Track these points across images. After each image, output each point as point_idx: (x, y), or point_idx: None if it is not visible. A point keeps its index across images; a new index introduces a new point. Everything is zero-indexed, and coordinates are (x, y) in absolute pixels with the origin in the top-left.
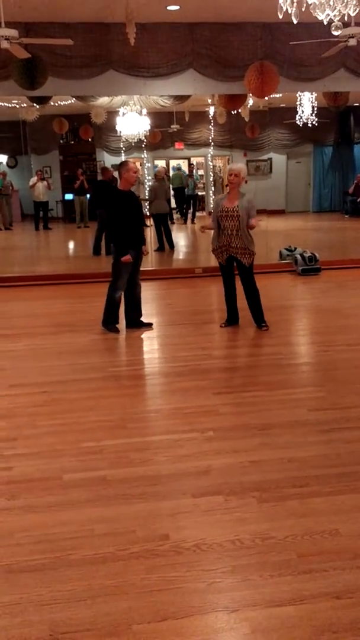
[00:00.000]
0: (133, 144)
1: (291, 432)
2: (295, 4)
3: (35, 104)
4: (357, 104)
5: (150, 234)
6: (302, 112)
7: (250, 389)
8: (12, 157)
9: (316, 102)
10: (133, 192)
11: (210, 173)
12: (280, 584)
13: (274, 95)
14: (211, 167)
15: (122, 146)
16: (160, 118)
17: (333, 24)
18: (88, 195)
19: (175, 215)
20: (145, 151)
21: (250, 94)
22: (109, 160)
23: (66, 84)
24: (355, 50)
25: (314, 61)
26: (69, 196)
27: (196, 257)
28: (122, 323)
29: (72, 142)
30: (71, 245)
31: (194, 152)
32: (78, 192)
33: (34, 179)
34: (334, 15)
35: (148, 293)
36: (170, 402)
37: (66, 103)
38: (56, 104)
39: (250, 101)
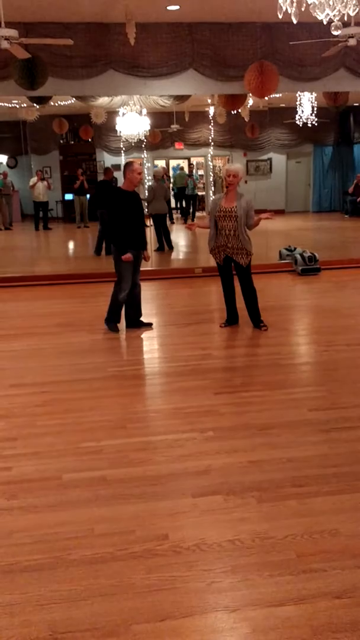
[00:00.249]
0: (133, 144)
1: (291, 431)
2: (295, 4)
3: (35, 104)
4: (357, 104)
5: (150, 234)
6: (302, 112)
7: (250, 388)
8: (12, 157)
9: (316, 102)
10: (136, 193)
11: (210, 173)
12: (280, 583)
13: (273, 95)
14: (211, 167)
15: (122, 146)
16: (160, 118)
17: (333, 23)
18: (88, 196)
19: (176, 215)
20: (145, 151)
21: (250, 94)
22: (109, 160)
23: (66, 84)
24: (355, 50)
25: (314, 61)
26: (69, 196)
27: (196, 257)
28: (122, 323)
29: (72, 142)
30: (71, 245)
31: (194, 152)
32: (78, 192)
33: (34, 179)
34: (334, 15)
35: (148, 293)
36: (170, 402)
37: (66, 103)
38: (56, 104)
39: (250, 101)
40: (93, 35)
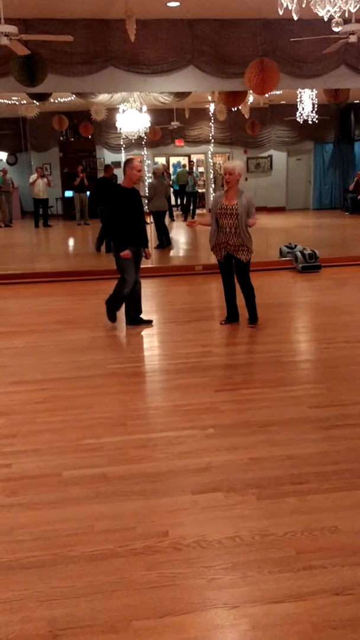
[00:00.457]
0: (133, 141)
1: (291, 429)
2: (295, 1)
3: (35, 101)
4: (357, 101)
5: (150, 231)
6: (303, 109)
7: (250, 386)
8: (12, 154)
9: (317, 99)
10: (136, 190)
11: (211, 170)
12: (280, 580)
13: (274, 92)
14: (211, 164)
15: (122, 143)
16: (160, 115)
17: (333, 20)
18: (88, 193)
19: (176, 212)
20: (145, 148)
21: (251, 91)
22: (109, 157)
23: (66, 81)
24: (355, 47)
25: (315, 58)
26: (68, 193)
27: (196, 255)
28: (122, 320)
29: (72, 139)
30: (71, 242)
31: (194, 149)
32: (78, 190)
33: (34, 176)
34: (335, 12)
35: (148, 290)
36: (170, 399)
37: (66, 100)
38: (56, 101)
39: (251, 98)
40: (93, 32)
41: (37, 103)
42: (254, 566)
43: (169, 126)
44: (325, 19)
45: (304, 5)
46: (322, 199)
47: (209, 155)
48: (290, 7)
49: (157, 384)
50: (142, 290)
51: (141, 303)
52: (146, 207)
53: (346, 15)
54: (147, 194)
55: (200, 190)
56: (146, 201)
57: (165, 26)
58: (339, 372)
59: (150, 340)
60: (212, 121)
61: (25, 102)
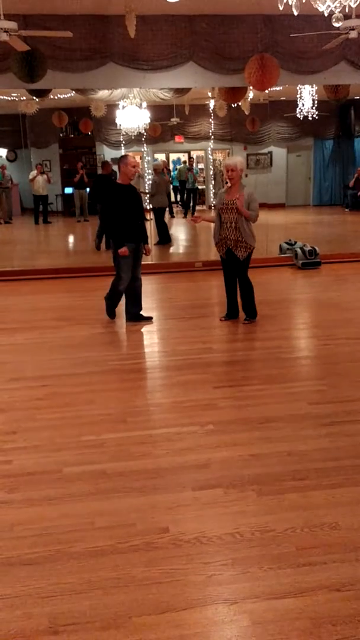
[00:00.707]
0: (133, 137)
1: (291, 425)
2: None
3: (34, 97)
4: (357, 97)
5: (150, 227)
6: (303, 105)
7: (250, 382)
8: (12, 151)
9: (316, 95)
10: (133, 186)
11: (211, 167)
12: (280, 576)
13: (274, 88)
14: (211, 160)
15: (122, 139)
16: (160, 111)
17: (334, 15)
18: (88, 189)
19: (176, 209)
20: (145, 144)
21: (251, 87)
22: (109, 153)
23: (66, 77)
24: (356, 43)
25: (315, 54)
26: (68, 190)
27: (196, 251)
28: (122, 317)
29: (72, 136)
30: (71, 239)
31: (194, 146)
32: (78, 186)
33: (33, 173)
34: (335, 7)
35: (148, 287)
36: (170, 396)
37: (66, 96)
38: (56, 97)
39: (251, 94)
40: (93, 28)
41: (37, 99)
42: (254, 562)
43: (168, 122)
44: (326, 15)
45: (304, 1)
46: (322, 196)
47: (209, 152)
48: (290, 3)
49: (157, 380)
50: (143, 286)
51: (141, 300)
52: (149, 203)
53: (346, 10)
54: (148, 191)
55: (200, 187)
56: (149, 197)
57: (165, 22)
58: (339, 368)
59: (150, 337)
60: (212, 117)
61: (24, 98)
